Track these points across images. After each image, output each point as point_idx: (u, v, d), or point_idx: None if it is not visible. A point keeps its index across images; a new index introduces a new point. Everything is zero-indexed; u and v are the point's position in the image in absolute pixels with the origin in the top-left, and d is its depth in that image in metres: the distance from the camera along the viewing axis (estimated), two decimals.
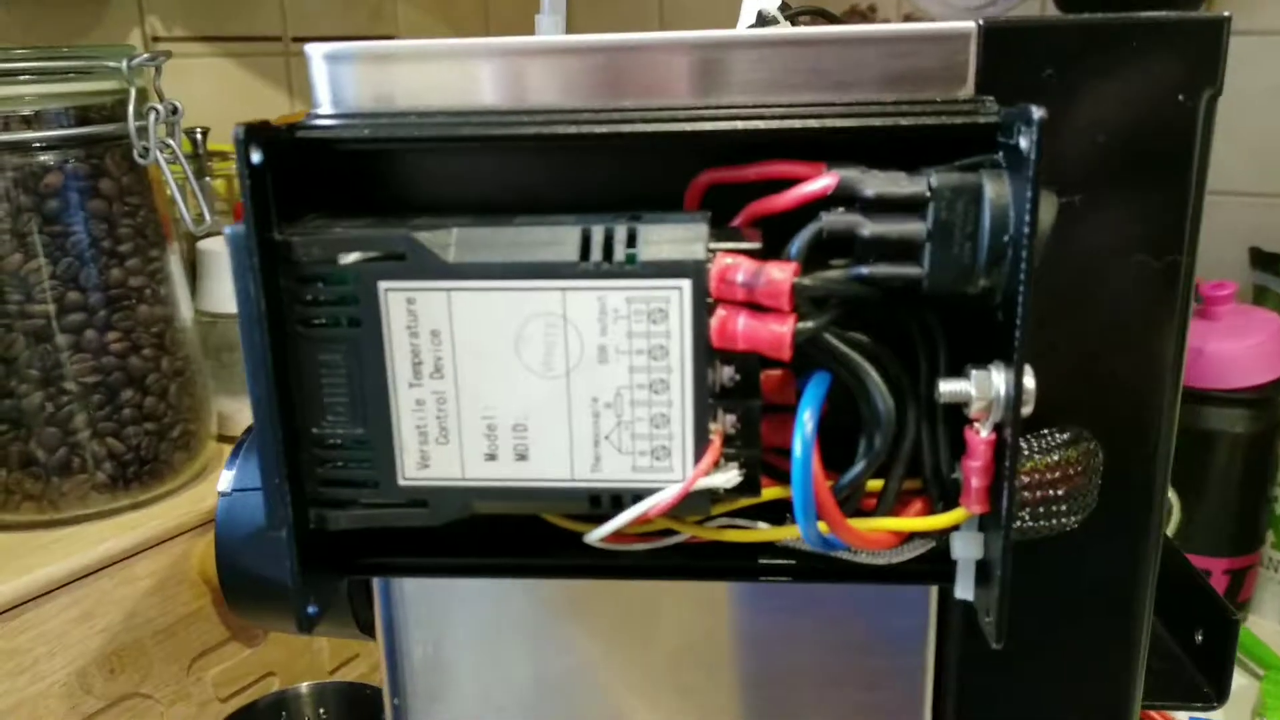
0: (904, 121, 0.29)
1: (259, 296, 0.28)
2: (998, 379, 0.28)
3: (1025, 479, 0.32)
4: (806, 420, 0.28)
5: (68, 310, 0.65)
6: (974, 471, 0.28)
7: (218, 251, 0.78)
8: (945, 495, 0.31)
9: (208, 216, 0.70)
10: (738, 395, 0.29)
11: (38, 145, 0.64)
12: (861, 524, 0.30)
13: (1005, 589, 0.28)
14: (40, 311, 0.65)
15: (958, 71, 0.31)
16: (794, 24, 0.47)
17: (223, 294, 0.79)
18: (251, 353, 0.29)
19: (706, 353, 0.28)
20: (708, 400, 0.29)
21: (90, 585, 0.65)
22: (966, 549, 0.30)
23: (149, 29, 0.89)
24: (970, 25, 0.30)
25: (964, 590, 0.30)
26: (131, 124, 0.65)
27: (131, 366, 0.68)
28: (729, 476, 0.29)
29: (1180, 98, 0.31)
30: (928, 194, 0.28)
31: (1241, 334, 0.84)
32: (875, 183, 0.28)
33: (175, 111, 0.66)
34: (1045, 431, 0.33)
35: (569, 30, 0.46)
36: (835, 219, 0.29)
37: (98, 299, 0.66)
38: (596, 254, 0.28)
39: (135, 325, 0.68)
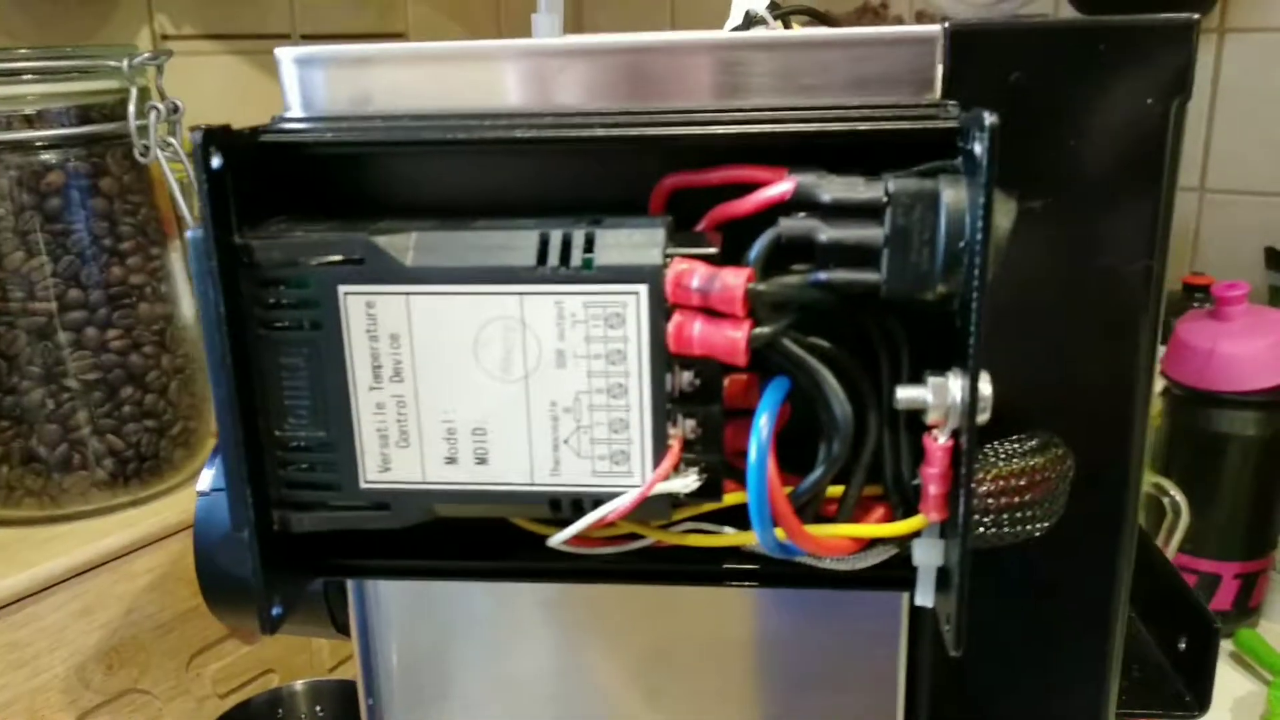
0: (862, 126, 0.29)
1: (218, 299, 0.28)
2: (954, 386, 0.27)
3: (992, 485, 0.32)
4: (763, 425, 0.28)
5: (69, 308, 0.66)
6: (932, 478, 0.28)
7: None
8: (906, 502, 0.30)
9: None
10: (698, 400, 0.29)
11: (40, 144, 0.64)
12: (819, 530, 0.30)
13: (963, 596, 0.28)
14: (42, 309, 0.66)
15: (925, 75, 0.31)
16: (784, 24, 0.47)
17: None
18: (212, 355, 0.29)
19: (664, 358, 0.28)
20: (666, 405, 0.29)
21: (90, 581, 0.66)
22: (927, 556, 0.30)
23: (158, 27, 0.89)
24: (936, 29, 0.30)
25: (924, 597, 0.30)
26: (132, 123, 0.65)
27: (132, 364, 0.69)
28: (688, 481, 0.29)
29: (1149, 101, 0.30)
30: (885, 199, 0.28)
31: (1255, 335, 0.83)
32: (833, 188, 0.28)
33: (176, 110, 0.66)
34: (1014, 438, 0.32)
35: (578, 28, 0.46)
36: (793, 224, 0.28)
37: (99, 297, 0.67)
38: (554, 258, 0.28)
39: (136, 323, 0.69)
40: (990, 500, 0.31)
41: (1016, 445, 0.32)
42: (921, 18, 1.09)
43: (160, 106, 0.65)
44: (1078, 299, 0.32)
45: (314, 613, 0.40)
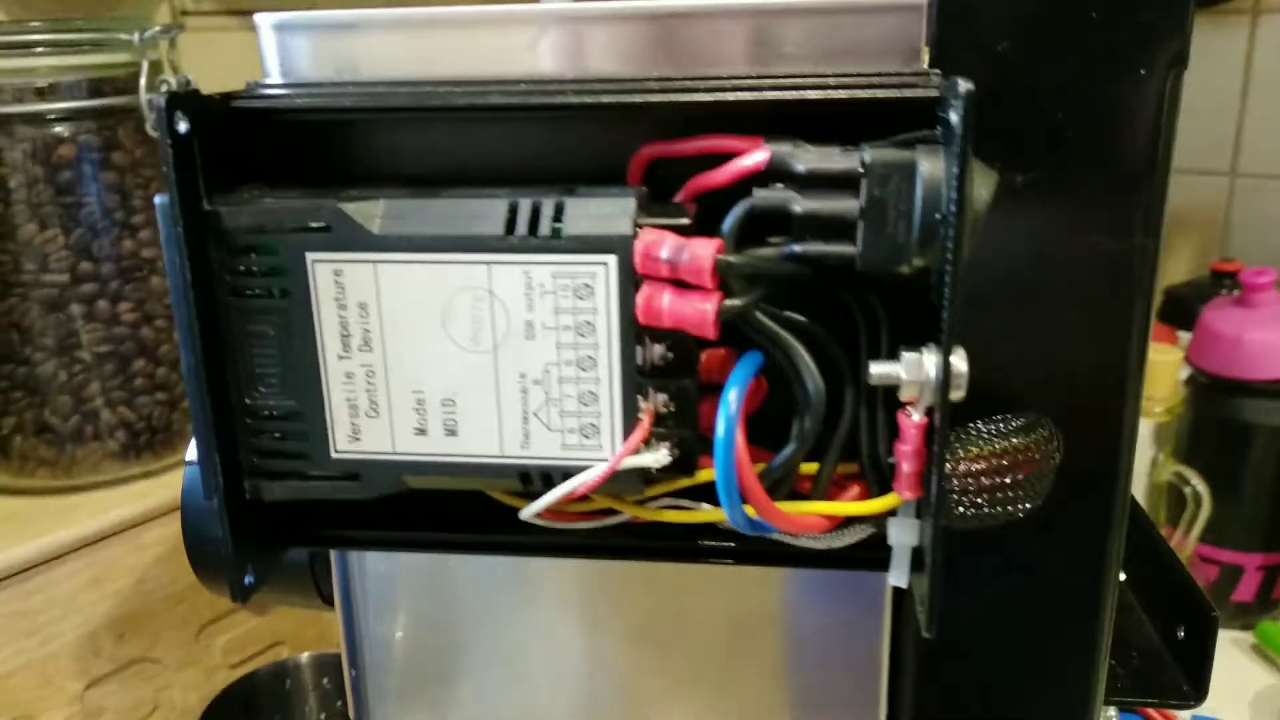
0: (839, 94, 0.28)
1: (184, 266, 0.28)
2: (929, 361, 0.27)
3: (976, 465, 0.31)
4: (731, 399, 0.27)
5: (81, 280, 0.67)
6: (905, 455, 0.27)
7: None
8: (883, 480, 0.30)
9: None
10: (671, 374, 0.29)
11: (52, 117, 0.65)
12: (791, 507, 0.29)
13: (936, 576, 0.27)
14: (54, 281, 0.66)
15: (911, 44, 0.30)
16: None
17: None
18: (181, 322, 0.29)
19: (634, 330, 0.28)
20: (637, 378, 0.28)
21: (101, 551, 0.67)
22: (902, 535, 0.29)
23: (178, 2, 0.90)
24: None
25: (898, 577, 0.30)
26: (144, 96, 0.65)
27: (143, 337, 0.69)
28: (658, 456, 0.29)
29: (1142, 71, 0.29)
30: (861, 170, 0.27)
31: None
32: (808, 158, 0.28)
33: (188, 84, 0.66)
34: (999, 417, 0.32)
35: None
36: (767, 195, 0.28)
37: (110, 269, 0.67)
38: (522, 227, 0.28)
39: (147, 296, 0.69)
40: (971, 480, 0.31)
41: (1002, 425, 0.31)
42: None
43: (171, 81, 0.66)
44: (1068, 278, 0.31)
45: (300, 583, 0.40)
